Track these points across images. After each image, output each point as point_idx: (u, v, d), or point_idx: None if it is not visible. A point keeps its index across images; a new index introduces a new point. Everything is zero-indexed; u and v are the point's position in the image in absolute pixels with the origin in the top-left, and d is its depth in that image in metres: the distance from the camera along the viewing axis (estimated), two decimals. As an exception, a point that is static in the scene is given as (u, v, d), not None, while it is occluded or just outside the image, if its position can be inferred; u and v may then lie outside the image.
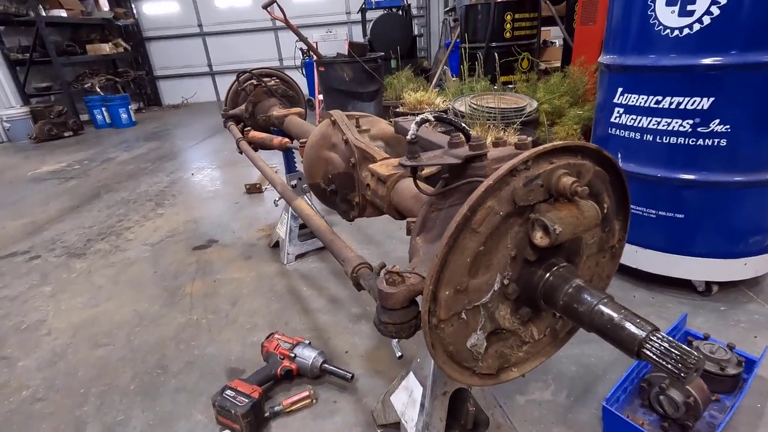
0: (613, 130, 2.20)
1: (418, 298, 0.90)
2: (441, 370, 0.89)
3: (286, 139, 2.34)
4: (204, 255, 3.07)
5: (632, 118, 2.09)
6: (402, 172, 1.39)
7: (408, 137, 0.91)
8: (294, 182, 2.82)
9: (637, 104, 2.05)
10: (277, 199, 2.95)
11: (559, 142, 0.82)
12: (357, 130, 1.62)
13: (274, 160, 3.80)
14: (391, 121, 1.75)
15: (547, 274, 0.86)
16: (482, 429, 1.49)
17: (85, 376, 2.00)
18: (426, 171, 1.23)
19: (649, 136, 2.04)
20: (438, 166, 0.92)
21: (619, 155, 2.20)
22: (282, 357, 1.85)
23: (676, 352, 0.66)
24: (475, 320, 0.89)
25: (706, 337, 1.75)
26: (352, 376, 1.79)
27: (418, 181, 0.98)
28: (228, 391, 1.64)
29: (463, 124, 0.99)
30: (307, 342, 1.92)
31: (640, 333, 0.70)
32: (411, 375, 1.53)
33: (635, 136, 2.10)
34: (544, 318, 1.00)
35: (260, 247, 3.11)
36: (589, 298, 0.79)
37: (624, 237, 1.03)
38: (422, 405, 1.44)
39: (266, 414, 1.67)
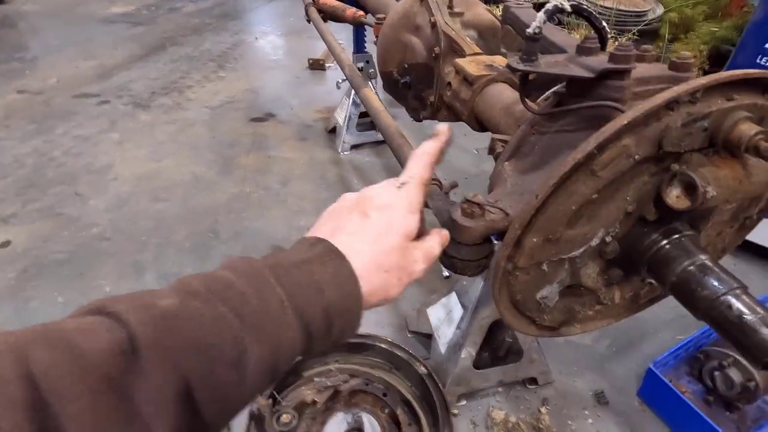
0: (766, 60, 1.74)
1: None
2: (501, 316, 0.80)
3: (361, 12, 2.04)
4: (260, 128, 3.02)
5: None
6: (494, 75, 1.15)
7: (530, 30, 0.69)
8: (360, 65, 2.57)
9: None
10: (340, 81, 2.73)
11: (752, 70, 0.58)
12: (448, 11, 1.34)
13: (340, 35, 3.46)
14: (492, 6, 1.43)
15: (664, 242, 0.69)
16: (514, 359, 1.47)
17: (145, 226, 2.13)
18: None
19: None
20: (562, 76, 0.70)
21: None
22: (326, 247, 1.86)
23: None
24: (555, 273, 0.76)
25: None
26: (391, 280, 1.78)
27: (524, 94, 0.77)
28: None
29: (605, 24, 0.74)
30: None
31: (780, 344, 0.55)
32: (453, 295, 1.48)
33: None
34: (632, 282, 0.86)
35: (316, 130, 3.00)
36: (716, 284, 0.63)
37: (770, 208, 0.81)
38: (459, 327, 1.41)
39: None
